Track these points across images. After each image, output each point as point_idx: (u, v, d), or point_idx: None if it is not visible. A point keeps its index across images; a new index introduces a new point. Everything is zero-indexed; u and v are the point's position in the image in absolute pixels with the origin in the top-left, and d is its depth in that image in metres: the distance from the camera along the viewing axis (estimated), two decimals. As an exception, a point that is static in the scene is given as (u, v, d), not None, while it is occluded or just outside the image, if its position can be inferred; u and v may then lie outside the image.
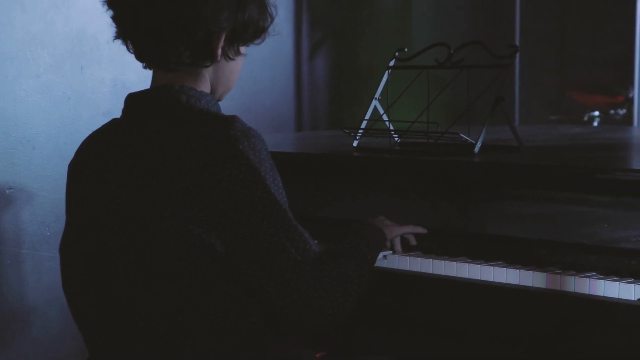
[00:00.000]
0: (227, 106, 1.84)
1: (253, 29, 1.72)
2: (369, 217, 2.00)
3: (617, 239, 1.97)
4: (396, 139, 2.50)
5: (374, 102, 2.48)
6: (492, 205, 2.14)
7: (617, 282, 1.82)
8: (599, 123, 4.76)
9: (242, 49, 1.75)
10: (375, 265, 1.81)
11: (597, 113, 4.74)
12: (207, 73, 1.72)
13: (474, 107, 2.37)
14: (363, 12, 4.49)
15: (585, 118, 4.80)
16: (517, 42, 4.74)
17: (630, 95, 4.44)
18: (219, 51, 1.68)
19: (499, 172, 2.17)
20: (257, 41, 1.76)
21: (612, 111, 4.75)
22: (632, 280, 1.83)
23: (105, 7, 1.70)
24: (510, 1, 4.77)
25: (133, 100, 1.70)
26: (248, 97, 3.72)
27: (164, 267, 1.59)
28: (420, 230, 2.13)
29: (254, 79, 3.80)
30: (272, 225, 1.59)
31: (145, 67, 1.74)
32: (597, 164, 2.15)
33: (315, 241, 1.70)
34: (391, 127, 2.49)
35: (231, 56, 1.72)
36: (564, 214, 2.05)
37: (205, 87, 1.72)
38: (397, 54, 2.50)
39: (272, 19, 1.76)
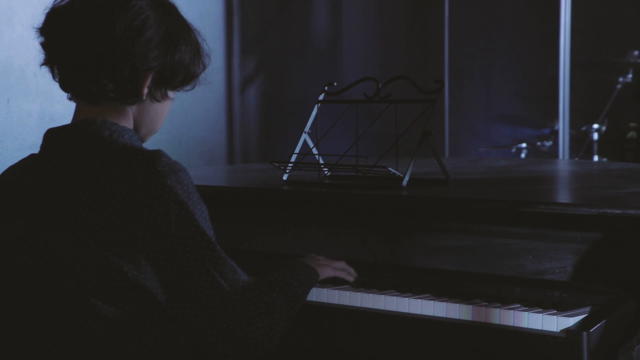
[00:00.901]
0: (156, 139, 1.84)
1: (183, 74, 1.71)
2: (304, 254, 2.01)
3: (541, 271, 2.00)
4: (326, 172, 2.52)
5: (304, 136, 2.49)
6: (420, 238, 2.16)
7: (541, 314, 1.85)
8: (526, 155, 4.86)
9: (171, 93, 1.74)
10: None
11: (524, 145, 4.84)
12: (132, 111, 1.71)
13: (403, 140, 2.40)
14: (295, 45, 4.52)
15: (513, 150, 4.89)
16: (447, 77, 4.82)
17: (556, 127, 4.54)
18: (145, 90, 1.67)
19: (426, 205, 2.20)
20: (187, 87, 1.75)
21: (538, 143, 4.85)
22: (555, 312, 1.86)
23: (36, 34, 1.68)
24: (439, 37, 4.86)
25: (53, 136, 1.68)
26: (178, 130, 3.71)
27: (87, 304, 1.57)
28: (350, 276, 2.12)
29: (185, 110, 3.79)
30: (201, 258, 1.59)
31: (70, 99, 1.72)
32: (521, 197, 2.19)
33: (245, 276, 1.70)
34: (321, 161, 2.51)
35: (158, 98, 1.71)
36: (490, 247, 2.08)
37: (128, 124, 1.70)
38: (326, 88, 2.52)
39: (205, 67, 1.75)
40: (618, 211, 1.94)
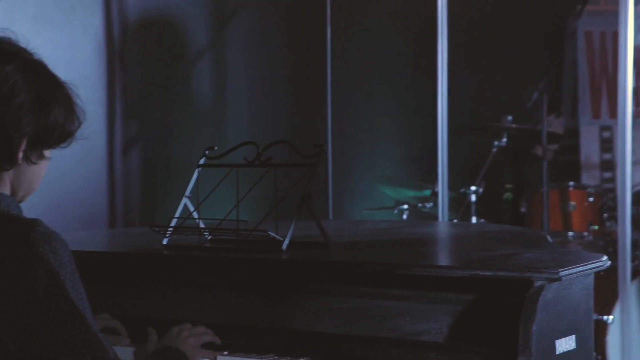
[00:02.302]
0: (32, 202, 1.80)
1: (58, 133, 1.69)
2: (185, 318, 1.99)
3: (418, 332, 2.04)
4: (206, 236, 2.51)
5: (184, 200, 2.49)
6: (300, 301, 2.18)
7: (417, 375, 1.88)
8: (408, 216, 4.95)
9: (47, 153, 1.72)
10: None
11: (406, 206, 4.93)
12: (8, 176, 1.67)
13: (285, 204, 2.43)
14: (178, 108, 4.52)
15: (396, 211, 4.98)
16: (330, 139, 4.90)
17: (436, 189, 4.65)
18: (20, 155, 1.65)
19: (305, 268, 2.22)
20: (63, 145, 1.73)
21: (420, 204, 4.95)
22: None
23: None
24: (323, 101, 4.94)
25: None
26: (56, 193, 3.64)
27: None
28: (214, 337, 2.11)
29: (64, 173, 3.72)
30: (69, 332, 1.55)
31: (-55, 167, 1.68)
32: (399, 260, 2.24)
33: (114, 355, 1.67)
34: (201, 225, 2.51)
35: (34, 160, 1.68)
36: (369, 309, 2.11)
37: (5, 189, 1.67)
38: (207, 152, 2.54)
39: (80, 124, 1.73)
40: (489, 273, 2.00)
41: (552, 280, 1.95)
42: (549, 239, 2.75)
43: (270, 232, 2.33)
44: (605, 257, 2.15)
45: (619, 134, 3.89)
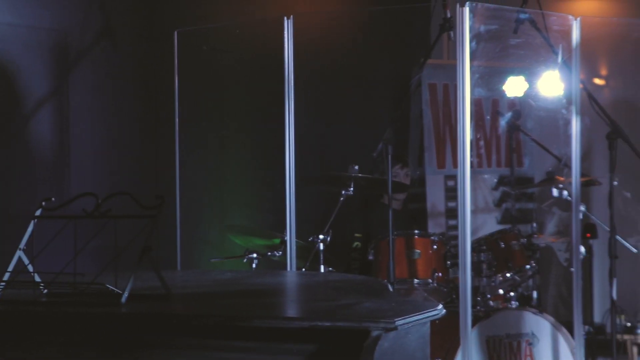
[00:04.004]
0: None
1: None
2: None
3: (259, 384, 2.03)
4: (42, 290, 2.44)
5: (19, 253, 2.41)
6: (140, 354, 2.13)
7: None
8: (257, 265, 4.94)
9: None
10: None
11: (255, 255, 4.92)
12: None
13: (128, 256, 2.39)
14: (19, 160, 4.39)
15: (245, 260, 4.96)
16: (178, 189, 4.85)
17: (285, 238, 4.67)
18: None
19: (145, 321, 2.18)
20: None
21: (269, 253, 4.95)
22: None
23: None
24: (171, 151, 4.91)
25: None
26: None
27: None
28: None
29: None
30: None
31: None
32: (239, 311, 2.23)
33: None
34: (37, 278, 2.43)
35: None
36: (210, 361, 2.09)
37: None
38: (43, 203, 2.47)
39: None
40: (328, 323, 2.02)
41: (388, 330, 1.99)
42: (390, 288, 2.80)
43: (108, 285, 2.28)
44: (440, 306, 2.21)
45: (458, 184, 4.03)
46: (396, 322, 1.98)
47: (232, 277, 3.09)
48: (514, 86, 5.95)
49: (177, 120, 4.87)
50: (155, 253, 2.37)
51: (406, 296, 4.91)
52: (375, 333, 1.98)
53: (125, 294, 2.29)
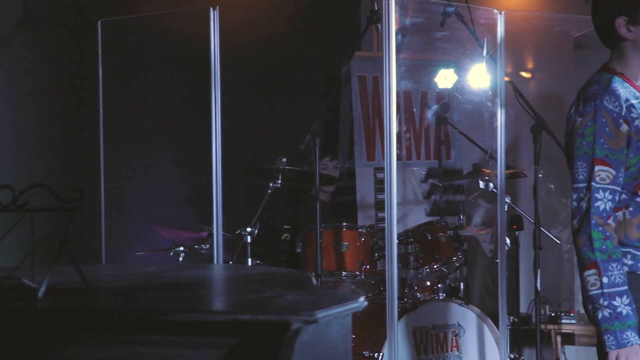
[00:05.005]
0: None
1: None
2: None
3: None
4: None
5: None
6: (59, 350, 2.09)
7: None
8: (184, 258, 4.90)
9: None
10: None
11: (182, 248, 4.89)
12: None
13: (46, 250, 2.34)
14: None
15: (172, 254, 4.92)
16: (102, 181, 4.78)
17: (212, 231, 4.63)
18: None
19: (63, 316, 2.13)
20: None
21: (196, 246, 4.92)
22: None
23: None
24: (95, 143, 4.83)
25: None
26: None
27: None
28: None
29: None
30: None
31: None
32: (160, 305, 2.20)
33: None
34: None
35: None
36: (131, 356, 2.05)
37: None
38: (-43, 196, 2.40)
39: None
40: (248, 317, 2.00)
41: (309, 323, 1.97)
42: (314, 280, 2.79)
43: (24, 280, 2.22)
44: (362, 298, 2.20)
45: (385, 176, 4.04)
46: (317, 315, 1.97)
47: (155, 270, 3.05)
48: (444, 78, 6.00)
49: (101, 111, 4.80)
50: (75, 247, 2.33)
51: (333, 288, 4.92)
52: (295, 326, 1.97)
53: (42, 289, 2.24)
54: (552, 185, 6.07)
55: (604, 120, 2.78)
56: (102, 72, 4.79)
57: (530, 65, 6.71)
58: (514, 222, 5.63)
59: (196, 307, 2.23)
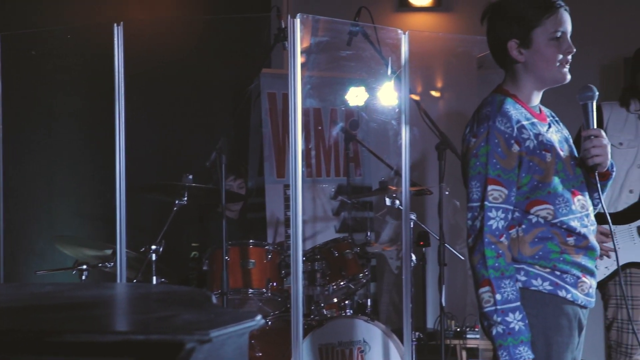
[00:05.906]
0: None
1: None
2: None
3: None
4: None
5: None
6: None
7: None
8: (87, 277, 4.81)
9: None
10: None
11: (85, 267, 4.79)
12: None
13: None
14: None
15: (75, 272, 4.82)
16: (2, 199, 4.66)
17: (112, 251, 4.56)
18: None
19: (-52, 339, 2.06)
20: None
21: (100, 264, 4.83)
22: None
23: None
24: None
25: None
26: None
27: None
28: None
29: None
30: None
31: None
32: (49, 325, 2.14)
33: None
34: None
35: None
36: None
37: None
38: None
39: None
40: (142, 337, 1.97)
41: (203, 342, 1.95)
42: (214, 299, 2.77)
43: None
44: (259, 317, 2.19)
45: (291, 193, 4.04)
46: (211, 334, 1.95)
47: (52, 290, 2.97)
48: (355, 96, 6.05)
49: (0, 126, 4.68)
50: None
51: (240, 306, 4.89)
52: (189, 345, 1.94)
53: None
54: (458, 202, 6.17)
55: (496, 140, 2.83)
56: (2, 86, 4.68)
57: (439, 84, 6.82)
58: (421, 239, 5.70)
59: (89, 328, 2.18)
